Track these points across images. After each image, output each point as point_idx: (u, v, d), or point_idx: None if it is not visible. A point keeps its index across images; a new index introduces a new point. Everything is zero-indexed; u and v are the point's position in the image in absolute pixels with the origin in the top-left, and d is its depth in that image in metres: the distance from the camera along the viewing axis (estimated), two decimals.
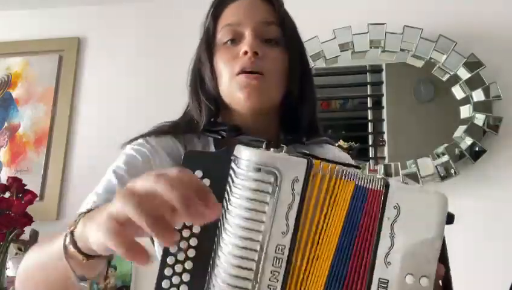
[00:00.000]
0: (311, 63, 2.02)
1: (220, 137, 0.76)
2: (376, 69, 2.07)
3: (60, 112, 2.28)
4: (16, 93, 2.36)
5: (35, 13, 2.45)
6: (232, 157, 0.57)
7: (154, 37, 2.31)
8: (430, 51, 1.93)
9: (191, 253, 0.58)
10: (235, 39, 0.76)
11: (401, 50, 1.97)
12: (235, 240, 0.55)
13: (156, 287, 0.57)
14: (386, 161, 1.96)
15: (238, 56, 0.74)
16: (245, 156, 0.55)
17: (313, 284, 0.55)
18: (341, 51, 2.01)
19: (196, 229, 0.58)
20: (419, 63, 1.97)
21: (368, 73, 2.09)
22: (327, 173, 0.56)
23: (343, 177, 0.56)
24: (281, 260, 0.54)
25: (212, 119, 0.79)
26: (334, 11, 2.12)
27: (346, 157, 0.90)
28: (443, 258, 0.60)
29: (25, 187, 1.81)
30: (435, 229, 0.57)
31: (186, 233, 0.58)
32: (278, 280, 0.54)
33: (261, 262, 0.54)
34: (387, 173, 1.89)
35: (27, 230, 1.73)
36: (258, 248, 0.54)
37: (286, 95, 0.78)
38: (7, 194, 1.76)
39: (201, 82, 0.80)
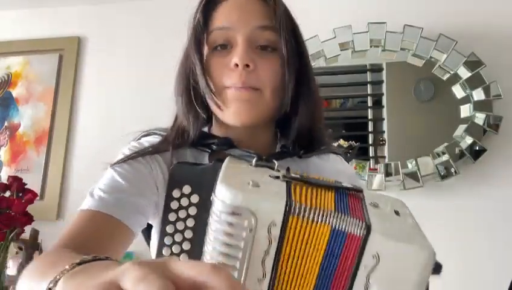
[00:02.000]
0: (312, 63, 2.02)
1: (209, 151, 0.71)
2: (376, 68, 2.07)
3: (60, 111, 2.29)
4: (16, 92, 2.36)
5: (35, 13, 2.45)
6: (211, 197, 0.52)
7: (154, 37, 2.31)
8: (430, 50, 1.93)
9: None
10: (227, 45, 0.69)
11: (402, 49, 1.97)
12: None
13: None
14: (386, 160, 1.96)
15: (229, 67, 0.67)
16: (220, 196, 0.50)
17: None
18: (341, 50, 2.01)
19: (186, 246, 0.57)
20: (419, 62, 1.97)
21: (368, 72, 2.09)
22: (305, 214, 0.50)
23: (320, 220, 0.50)
24: None
25: (204, 129, 0.74)
26: (334, 10, 2.12)
27: (350, 172, 0.83)
28: None
29: (25, 186, 1.81)
30: (417, 285, 0.50)
31: (176, 249, 0.57)
32: None
33: None
34: (388, 172, 1.90)
35: (27, 229, 1.73)
36: None
37: (281, 104, 0.71)
38: (7, 194, 1.76)
39: (194, 89, 0.72)
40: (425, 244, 0.52)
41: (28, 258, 1.73)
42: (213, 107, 0.71)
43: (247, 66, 0.66)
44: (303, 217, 0.50)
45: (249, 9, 0.69)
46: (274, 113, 0.72)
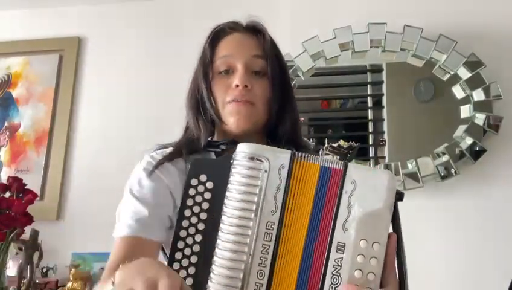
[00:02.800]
0: (312, 63, 2.03)
1: (220, 150, 0.85)
2: (376, 69, 2.07)
3: (60, 111, 2.29)
4: (16, 93, 2.36)
5: (35, 13, 2.45)
6: (233, 154, 0.69)
7: (154, 37, 2.31)
8: (430, 50, 1.93)
9: (197, 248, 0.68)
10: (229, 70, 0.88)
11: (402, 50, 1.97)
12: (232, 219, 0.66)
13: None
14: (386, 161, 1.96)
15: (231, 87, 0.86)
16: (240, 149, 0.69)
17: (294, 249, 0.65)
18: (341, 51, 2.01)
19: (201, 227, 0.69)
20: (419, 63, 1.97)
21: (368, 72, 2.09)
22: (304, 159, 0.68)
23: (312, 160, 0.68)
24: (271, 235, 0.65)
25: (210, 138, 0.90)
26: (334, 10, 2.12)
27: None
28: (396, 230, 0.69)
29: (25, 187, 1.81)
30: (384, 200, 0.65)
31: (192, 230, 0.69)
32: (268, 253, 0.65)
33: (254, 237, 0.65)
34: None
35: (27, 230, 1.73)
36: (250, 225, 0.65)
37: (270, 115, 0.90)
38: (7, 194, 1.75)
39: (203, 105, 0.90)
40: (388, 172, 0.71)
41: (28, 259, 1.73)
42: (217, 121, 0.88)
43: (246, 86, 0.85)
44: (302, 160, 0.67)
45: (245, 42, 0.90)
46: (265, 122, 0.90)
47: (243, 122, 0.85)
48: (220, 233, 0.66)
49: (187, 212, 0.69)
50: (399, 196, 0.68)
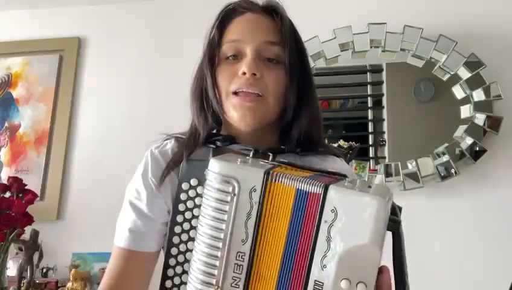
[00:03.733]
0: (312, 64, 2.02)
1: (214, 147, 0.79)
2: (376, 69, 2.07)
3: (60, 111, 2.29)
4: (16, 93, 2.36)
5: (35, 13, 2.45)
6: (205, 171, 0.62)
7: (154, 37, 2.31)
8: (430, 50, 1.93)
9: (190, 255, 0.64)
10: (237, 55, 0.77)
11: (402, 50, 1.97)
12: (203, 247, 0.60)
13: (160, 287, 0.66)
14: (387, 161, 1.95)
15: (237, 74, 0.75)
16: (211, 168, 0.61)
17: (266, 286, 0.58)
18: (341, 51, 2.01)
19: (193, 234, 0.65)
20: (419, 63, 1.97)
21: (368, 73, 2.09)
22: (279, 180, 0.58)
23: (288, 181, 0.58)
24: (241, 266, 0.58)
25: (214, 131, 0.81)
26: (334, 11, 2.12)
27: (348, 170, 0.87)
28: (398, 260, 0.59)
29: (26, 187, 1.81)
30: (370, 234, 0.54)
31: (184, 237, 0.67)
32: (238, 286, 0.58)
33: (223, 268, 0.59)
34: (388, 173, 1.90)
35: (27, 230, 1.73)
36: (219, 255, 0.59)
37: (285, 109, 0.79)
38: (7, 194, 1.75)
39: (206, 95, 0.81)
40: (377, 196, 0.55)
41: (28, 259, 1.73)
42: (220, 113, 0.79)
43: (254, 74, 0.74)
44: (277, 180, 0.58)
45: (259, 25, 0.78)
46: (277, 118, 0.79)
47: (248, 119, 0.74)
48: (191, 261, 0.62)
49: (179, 218, 0.67)
50: (395, 225, 0.57)
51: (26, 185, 1.82)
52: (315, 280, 0.56)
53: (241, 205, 0.58)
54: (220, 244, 0.59)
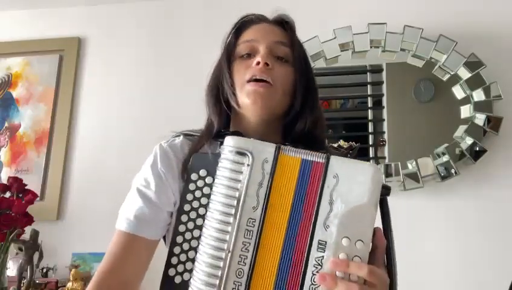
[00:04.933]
0: (312, 64, 2.02)
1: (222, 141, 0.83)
2: (376, 69, 2.07)
3: (60, 111, 2.29)
4: (16, 93, 2.36)
5: (35, 13, 2.45)
6: (221, 147, 0.68)
7: (154, 37, 2.31)
8: (430, 50, 1.93)
9: (195, 243, 0.68)
10: (251, 54, 0.86)
11: (402, 50, 1.97)
12: (214, 214, 0.65)
13: (163, 274, 0.67)
14: (387, 161, 1.95)
15: (251, 66, 0.83)
16: (227, 143, 0.67)
17: (274, 248, 0.64)
18: (341, 51, 2.01)
19: (199, 222, 0.68)
20: (419, 63, 1.97)
21: (368, 73, 2.09)
22: (286, 152, 0.66)
23: (294, 154, 0.66)
24: (251, 232, 0.63)
25: (222, 129, 0.87)
26: (334, 11, 2.13)
27: None
28: (385, 226, 0.67)
29: (26, 187, 1.81)
30: (368, 196, 0.62)
31: (190, 225, 0.69)
32: (248, 251, 0.63)
33: (234, 234, 0.63)
34: (388, 173, 1.89)
35: (27, 230, 1.73)
36: (231, 221, 0.63)
37: (289, 108, 0.86)
38: (7, 194, 1.76)
39: (222, 89, 0.87)
40: (373, 164, 0.66)
41: (28, 259, 1.73)
42: (233, 104, 0.85)
43: (267, 64, 0.82)
44: (286, 153, 0.65)
45: (270, 30, 0.89)
46: (281, 115, 0.86)
47: (261, 103, 0.81)
48: (203, 229, 0.66)
49: (186, 207, 0.70)
50: (386, 191, 0.65)
51: (26, 185, 1.82)
52: (319, 240, 0.62)
53: (253, 174, 0.64)
54: (233, 211, 0.63)
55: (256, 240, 0.63)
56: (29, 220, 1.69)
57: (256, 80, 0.81)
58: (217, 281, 0.62)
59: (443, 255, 1.83)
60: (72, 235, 2.09)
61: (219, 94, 0.88)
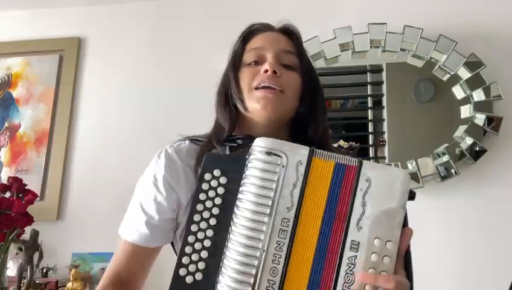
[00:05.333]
0: (313, 63, 2.02)
1: (235, 145, 0.84)
2: (376, 69, 2.07)
3: (60, 112, 2.29)
4: (16, 93, 2.36)
5: (35, 13, 2.45)
6: (250, 149, 0.69)
7: (155, 37, 2.31)
8: (430, 50, 1.93)
9: (207, 243, 0.68)
10: (258, 61, 0.86)
11: (402, 50, 1.97)
12: (247, 214, 0.65)
13: (174, 274, 0.66)
14: (387, 161, 1.96)
15: (259, 73, 0.84)
16: (257, 144, 0.69)
17: (308, 247, 0.65)
18: (341, 51, 2.01)
19: (212, 222, 0.68)
20: (419, 63, 1.97)
21: (368, 73, 2.09)
22: (319, 156, 0.68)
23: (327, 157, 0.68)
24: (286, 231, 0.65)
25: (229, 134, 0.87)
26: (334, 11, 2.13)
27: None
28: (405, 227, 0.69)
29: (26, 187, 1.81)
30: (398, 199, 0.65)
31: (203, 225, 0.69)
32: (282, 250, 0.64)
33: (269, 233, 0.64)
34: None
35: (27, 230, 1.73)
36: (266, 220, 0.65)
37: (296, 113, 0.87)
38: (7, 194, 1.76)
39: (231, 94, 0.88)
40: (402, 171, 0.70)
41: (28, 259, 1.73)
42: (241, 109, 0.86)
43: (275, 72, 0.83)
44: (319, 156, 0.67)
45: (277, 38, 0.90)
46: (291, 118, 0.87)
47: (270, 109, 0.81)
48: (233, 227, 0.66)
49: (199, 207, 0.69)
50: (411, 195, 0.68)
51: (26, 185, 1.82)
52: (352, 240, 0.64)
53: (288, 175, 0.66)
54: (268, 211, 0.65)
55: (290, 239, 0.65)
56: (29, 220, 1.69)
57: (264, 87, 0.82)
58: (252, 280, 0.63)
59: (443, 255, 1.83)
60: (72, 235, 2.09)
61: (228, 100, 0.89)
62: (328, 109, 2.11)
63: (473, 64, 1.90)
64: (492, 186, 1.85)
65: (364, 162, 0.67)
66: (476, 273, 1.78)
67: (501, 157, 1.87)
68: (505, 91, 1.87)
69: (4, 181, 2.08)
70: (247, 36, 0.92)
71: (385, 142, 1.99)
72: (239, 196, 0.67)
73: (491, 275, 1.75)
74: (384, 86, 2.04)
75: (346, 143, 1.95)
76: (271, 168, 0.66)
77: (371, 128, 2.05)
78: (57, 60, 2.35)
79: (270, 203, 0.65)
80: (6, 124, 2.33)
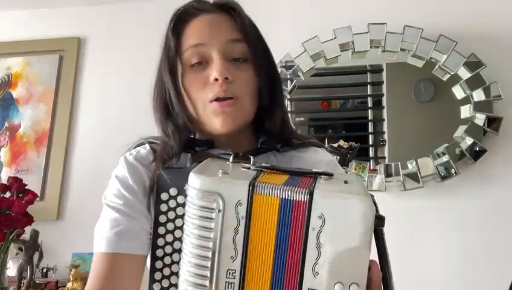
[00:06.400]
0: (312, 64, 2.03)
1: (194, 152, 0.76)
2: (376, 69, 2.07)
3: (60, 112, 2.29)
4: (16, 93, 2.36)
5: (35, 13, 2.45)
6: (185, 187, 0.59)
7: (154, 37, 2.30)
8: (430, 50, 1.93)
9: (175, 268, 0.62)
10: (202, 62, 0.73)
11: (402, 50, 1.97)
12: (189, 267, 0.57)
13: None
14: (387, 161, 1.96)
15: (209, 82, 0.72)
16: (191, 183, 0.58)
17: None
18: (341, 51, 2.01)
19: (177, 245, 0.63)
20: (419, 63, 1.97)
21: (368, 73, 2.09)
22: (263, 191, 0.56)
23: (272, 191, 0.56)
24: (232, 284, 0.56)
25: (190, 136, 0.78)
26: (334, 11, 2.12)
27: (328, 160, 0.86)
28: (381, 256, 0.59)
29: (26, 187, 1.82)
30: (359, 237, 0.54)
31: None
32: None
33: (213, 288, 0.56)
34: (388, 173, 1.90)
35: (27, 230, 1.73)
36: (208, 274, 0.56)
37: (258, 108, 0.78)
38: (7, 194, 1.76)
39: (172, 107, 0.77)
40: (363, 197, 0.55)
41: (28, 259, 1.73)
42: (191, 126, 0.76)
43: (226, 78, 0.71)
44: (262, 192, 0.56)
45: (218, 24, 0.74)
46: (253, 117, 0.77)
47: (229, 124, 0.72)
48: (179, 280, 0.59)
49: (161, 230, 0.64)
50: (380, 222, 0.57)
51: (26, 185, 1.82)
52: (308, 288, 0.55)
53: (227, 221, 0.56)
54: (209, 264, 0.56)
55: None
56: (29, 220, 1.69)
57: (219, 99, 0.71)
58: None
59: (443, 255, 1.83)
60: (72, 235, 2.09)
61: (168, 110, 0.77)
62: (328, 109, 2.14)
63: (473, 64, 1.90)
64: (492, 186, 1.85)
65: (316, 193, 0.55)
66: (476, 273, 1.78)
67: (501, 157, 1.87)
68: (505, 91, 1.87)
69: (4, 181, 2.08)
70: (177, 24, 0.78)
71: (385, 142, 1.99)
72: (182, 245, 0.59)
73: (491, 275, 1.75)
74: (384, 86, 2.04)
75: (346, 143, 1.95)
76: (206, 214, 0.56)
77: (371, 128, 2.06)
78: (57, 60, 2.35)
79: (210, 254, 0.56)
80: (6, 124, 2.33)
